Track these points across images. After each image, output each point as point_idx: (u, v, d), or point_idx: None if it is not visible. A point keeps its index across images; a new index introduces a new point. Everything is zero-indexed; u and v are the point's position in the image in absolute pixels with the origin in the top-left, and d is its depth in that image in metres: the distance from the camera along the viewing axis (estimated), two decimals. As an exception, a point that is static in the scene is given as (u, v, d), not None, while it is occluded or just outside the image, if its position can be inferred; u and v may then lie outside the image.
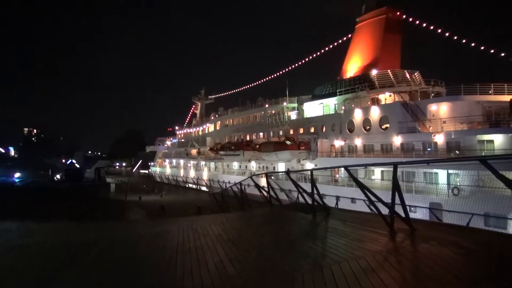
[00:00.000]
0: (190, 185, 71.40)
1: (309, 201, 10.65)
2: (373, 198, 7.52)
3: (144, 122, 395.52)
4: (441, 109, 33.21)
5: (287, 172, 12.22)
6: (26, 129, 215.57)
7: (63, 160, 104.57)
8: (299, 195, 20.15)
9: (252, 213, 13.86)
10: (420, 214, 21.21)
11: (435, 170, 29.24)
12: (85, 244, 8.53)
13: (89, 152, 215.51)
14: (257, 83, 77.51)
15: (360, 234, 7.50)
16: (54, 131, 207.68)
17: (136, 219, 24.01)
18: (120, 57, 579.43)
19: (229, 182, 51.07)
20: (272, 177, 41.14)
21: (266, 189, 15.27)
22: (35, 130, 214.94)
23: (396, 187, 7.18)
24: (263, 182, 23.96)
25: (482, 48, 37.93)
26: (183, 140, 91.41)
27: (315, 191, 9.82)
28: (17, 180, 51.18)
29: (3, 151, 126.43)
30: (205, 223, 10.45)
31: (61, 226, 12.78)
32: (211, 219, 11.90)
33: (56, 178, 61.10)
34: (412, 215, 18.36)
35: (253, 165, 54.76)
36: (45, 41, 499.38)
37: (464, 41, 39.54)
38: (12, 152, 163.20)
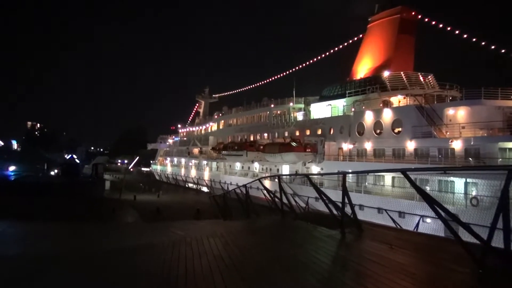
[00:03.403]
0: (190, 185, 69.55)
1: (329, 211, 8.56)
2: (446, 216, 5.26)
3: (147, 119, 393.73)
4: (458, 113, 31.27)
5: (307, 175, 10.11)
6: (29, 123, 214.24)
7: (66, 156, 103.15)
8: (308, 202, 18.34)
9: (260, 223, 11.64)
10: (435, 225, 19.33)
11: (451, 178, 27.38)
12: (48, 258, 6.87)
13: (92, 148, 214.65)
14: (262, 82, 75.68)
15: (429, 272, 5.23)
16: (58, 126, 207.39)
17: (126, 222, 22.08)
18: (126, 54, 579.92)
19: (230, 183, 49.27)
20: (276, 180, 39.56)
21: (273, 193, 13.33)
22: (38, 125, 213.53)
23: (505, 204, 4.86)
24: (267, 185, 22.10)
25: (503, 51, 35.89)
26: (185, 138, 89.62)
27: (346, 201, 7.64)
28: (11, 174, 49.47)
29: (2, 143, 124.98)
30: (202, 234, 8.51)
31: (35, 228, 11.00)
32: (210, 229, 9.98)
33: (54, 172, 59.41)
34: (425, 225, 16.55)
35: (256, 167, 52.87)
36: (53, 38, 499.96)
37: (483, 43, 37.52)
38: (15, 145, 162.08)
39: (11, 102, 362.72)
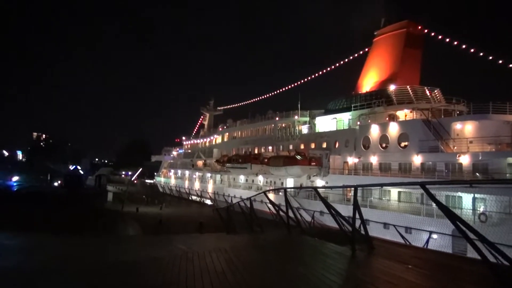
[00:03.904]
0: (194, 198, 69.05)
1: (339, 227, 8.10)
2: (471, 235, 4.74)
3: (151, 131, 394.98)
4: (466, 128, 30.91)
5: (316, 188, 9.67)
6: (35, 133, 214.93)
7: (70, 167, 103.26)
8: (314, 216, 17.94)
9: (265, 238, 11.15)
10: (443, 241, 18.86)
11: (459, 194, 26.96)
12: (43, 272, 6.58)
13: (96, 159, 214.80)
14: (267, 95, 75.59)
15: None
16: (63, 137, 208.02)
17: (127, 234, 21.65)
18: (129, 65, 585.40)
19: (234, 196, 48.83)
20: (280, 193, 39.03)
21: (279, 207, 12.92)
22: (44, 135, 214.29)
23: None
24: (271, 198, 21.64)
25: (511, 65, 35.56)
26: (189, 151, 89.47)
27: (357, 216, 7.20)
28: (14, 184, 49.32)
29: (6, 154, 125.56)
30: (205, 249, 8.13)
31: (32, 240, 10.67)
32: (213, 243, 9.58)
33: (57, 183, 59.22)
34: (433, 242, 16.05)
35: (261, 180, 52.44)
36: (57, 47, 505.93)
37: (491, 57, 37.25)
38: (20, 156, 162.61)
39: (18, 113, 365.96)
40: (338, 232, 8.14)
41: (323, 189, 30.90)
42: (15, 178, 54.62)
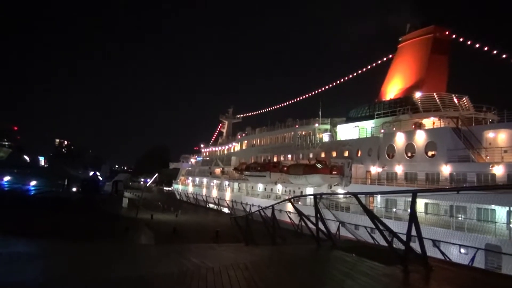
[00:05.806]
0: (211, 205, 68.16)
1: (387, 243, 6.73)
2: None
3: (171, 139, 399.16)
4: (499, 137, 29.17)
5: (355, 194, 8.23)
6: (57, 140, 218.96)
7: (90, 173, 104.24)
8: (340, 228, 16.51)
9: (291, 253, 9.71)
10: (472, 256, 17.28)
11: (492, 206, 25.33)
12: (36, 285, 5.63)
13: (116, 166, 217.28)
14: (287, 103, 74.60)
15: None
16: (85, 143, 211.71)
17: (138, 243, 20.65)
18: (152, 73, 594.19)
19: (252, 205, 47.65)
20: (300, 202, 37.59)
21: (307, 217, 11.67)
22: (65, 142, 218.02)
23: None
24: (289, 208, 20.21)
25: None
26: (207, 158, 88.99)
27: (413, 232, 5.75)
28: (32, 188, 49.45)
29: (28, 159, 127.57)
30: (221, 264, 6.98)
31: (31, 248, 9.75)
32: (231, 257, 8.41)
33: (75, 188, 59.21)
34: (463, 257, 14.60)
35: (279, 188, 51.11)
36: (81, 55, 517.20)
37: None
38: (42, 161, 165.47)
39: (43, 120, 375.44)
40: (379, 247, 6.85)
41: (343, 199, 29.49)
42: (33, 183, 54.93)
